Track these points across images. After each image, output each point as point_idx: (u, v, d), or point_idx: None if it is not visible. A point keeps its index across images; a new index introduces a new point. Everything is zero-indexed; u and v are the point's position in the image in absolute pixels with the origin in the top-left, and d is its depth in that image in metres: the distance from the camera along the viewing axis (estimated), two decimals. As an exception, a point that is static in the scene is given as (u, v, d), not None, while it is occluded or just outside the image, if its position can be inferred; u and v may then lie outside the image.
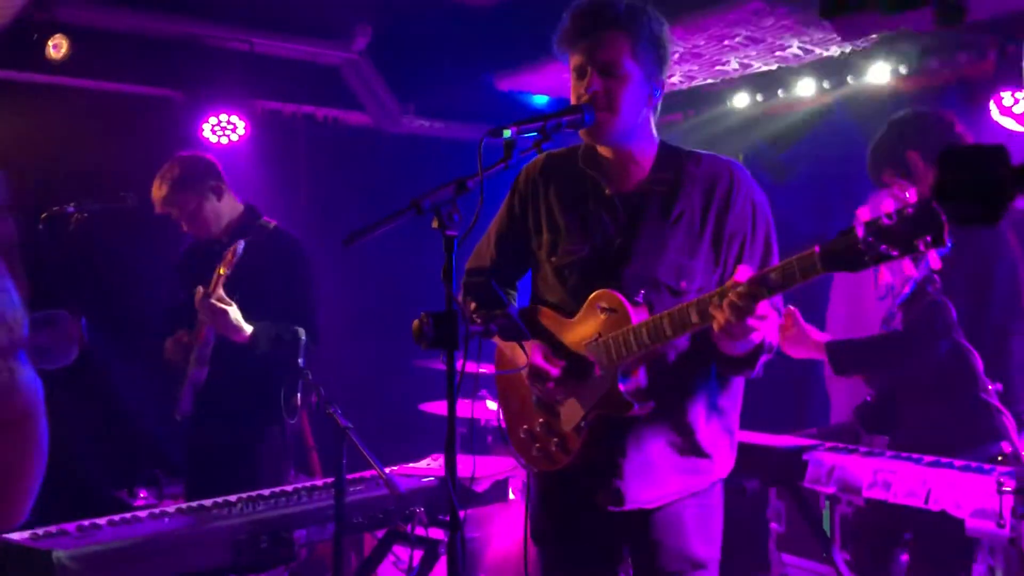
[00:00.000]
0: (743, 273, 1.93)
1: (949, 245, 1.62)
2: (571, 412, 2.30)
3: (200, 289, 3.35)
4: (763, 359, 2.14)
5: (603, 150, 2.32)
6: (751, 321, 1.91)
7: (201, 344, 3.50)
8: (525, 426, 2.42)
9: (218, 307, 3.31)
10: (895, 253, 1.67)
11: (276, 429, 3.57)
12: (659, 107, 2.33)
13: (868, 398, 3.21)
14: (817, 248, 1.80)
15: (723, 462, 2.33)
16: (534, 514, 2.44)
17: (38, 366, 0.84)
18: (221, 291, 3.33)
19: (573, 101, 2.26)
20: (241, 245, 3.33)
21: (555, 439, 2.33)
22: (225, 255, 3.35)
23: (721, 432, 2.31)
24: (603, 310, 2.22)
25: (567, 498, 2.38)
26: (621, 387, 2.18)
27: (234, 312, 3.34)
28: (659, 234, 2.24)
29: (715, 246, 2.23)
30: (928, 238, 1.63)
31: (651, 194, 2.27)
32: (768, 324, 2.00)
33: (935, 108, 3.39)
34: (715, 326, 1.97)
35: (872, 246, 1.69)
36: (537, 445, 2.38)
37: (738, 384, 2.35)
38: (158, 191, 3.60)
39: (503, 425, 2.53)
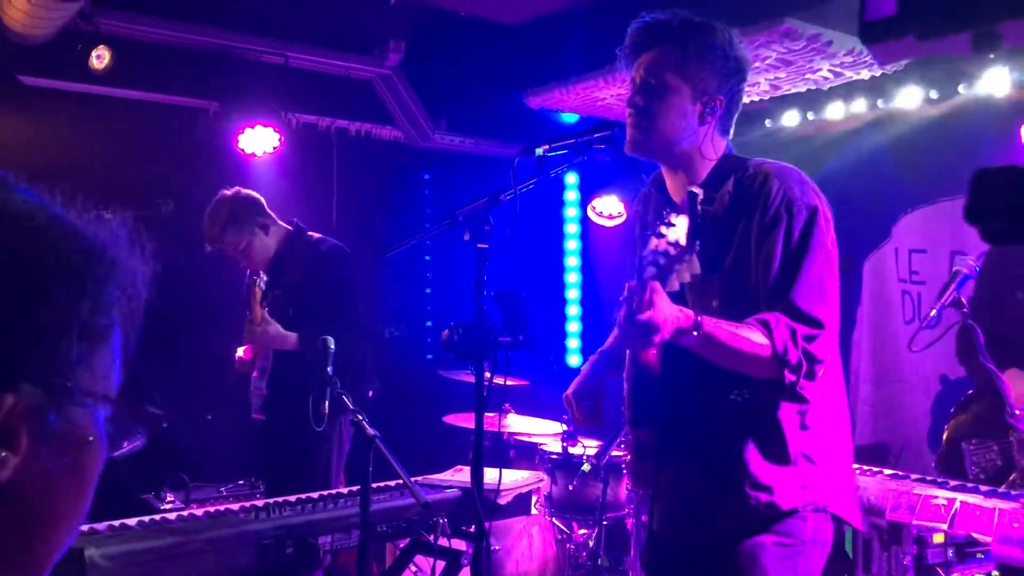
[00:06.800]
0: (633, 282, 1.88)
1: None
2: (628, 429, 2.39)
3: (247, 325, 3.65)
4: (788, 377, 1.99)
5: (664, 170, 2.31)
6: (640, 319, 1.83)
7: (261, 357, 3.83)
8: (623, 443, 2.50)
9: (259, 331, 3.62)
10: None
11: (334, 435, 3.75)
12: (728, 123, 2.26)
13: None
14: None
15: (788, 495, 2.10)
16: None
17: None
18: (259, 313, 3.61)
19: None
20: (263, 278, 3.62)
21: (627, 456, 2.39)
22: (253, 290, 3.62)
23: (782, 467, 2.11)
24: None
25: (648, 525, 2.39)
26: (632, 403, 2.23)
27: (274, 328, 3.64)
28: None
29: (743, 251, 2.13)
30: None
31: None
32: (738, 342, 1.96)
33: (963, 132, 3.40)
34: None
35: None
36: (626, 459, 2.44)
37: (816, 414, 2.13)
38: (210, 231, 3.82)
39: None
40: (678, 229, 1.77)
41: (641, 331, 1.84)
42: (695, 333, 1.91)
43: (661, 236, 1.78)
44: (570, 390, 2.40)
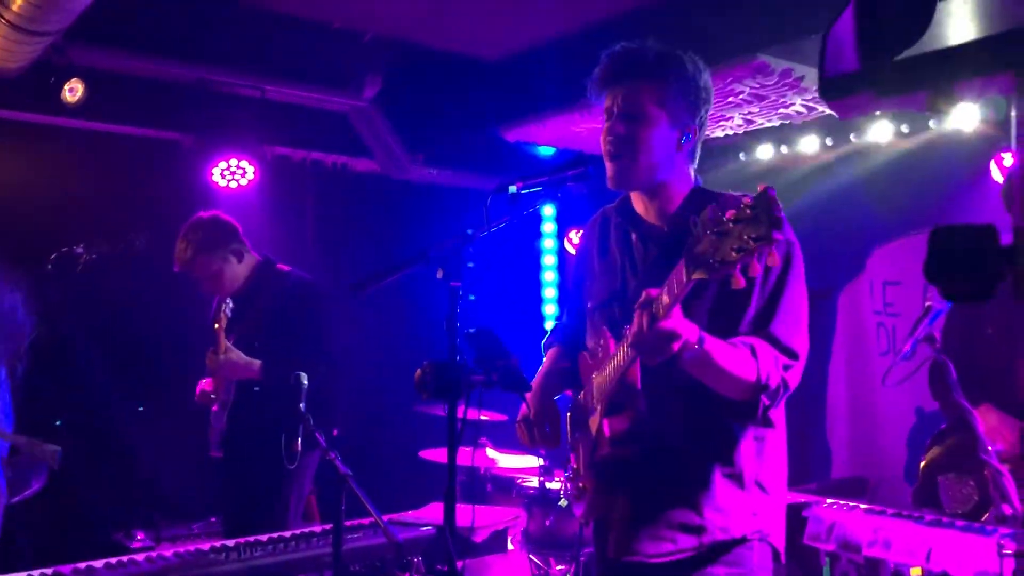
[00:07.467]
0: (653, 290, 1.93)
1: (781, 241, 1.62)
2: (585, 452, 2.35)
3: (209, 353, 3.60)
4: (764, 402, 2.07)
5: (634, 197, 2.33)
6: (659, 329, 1.88)
7: (223, 391, 3.73)
8: (569, 471, 2.47)
9: (223, 360, 3.57)
10: (734, 251, 1.67)
11: (295, 473, 3.63)
12: (696, 150, 2.30)
13: None
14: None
15: (741, 520, 2.17)
16: None
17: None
18: (223, 342, 3.58)
19: (602, 142, 2.27)
20: (230, 304, 3.60)
21: (579, 483, 2.37)
22: (219, 316, 3.60)
23: (738, 490, 2.18)
24: (601, 349, 2.26)
25: (598, 552, 2.37)
26: (604, 424, 2.19)
27: (236, 355, 3.59)
28: (663, 275, 2.24)
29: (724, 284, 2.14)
30: (754, 235, 1.65)
31: (666, 237, 2.24)
32: (739, 356, 2.00)
33: (934, 166, 3.43)
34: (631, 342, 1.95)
35: (717, 244, 1.70)
36: (577, 487, 2.41)
37: (770, 444, 2.23)
38: (182, 253, 3.74)
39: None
40: None
41: (662, 339, 1.87)
42: (696, 347, 1.94)
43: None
44: (531, 413, 2.41)
